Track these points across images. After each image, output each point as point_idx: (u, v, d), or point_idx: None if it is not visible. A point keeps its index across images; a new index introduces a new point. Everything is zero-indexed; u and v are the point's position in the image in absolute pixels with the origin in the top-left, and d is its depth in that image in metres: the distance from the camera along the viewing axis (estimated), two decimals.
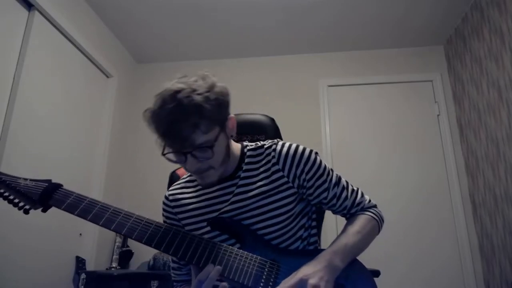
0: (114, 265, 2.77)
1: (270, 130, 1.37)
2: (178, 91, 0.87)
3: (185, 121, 0.86)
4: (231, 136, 1.00)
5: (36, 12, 2.20)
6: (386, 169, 2.94)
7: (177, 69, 3.39)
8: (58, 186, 0.99)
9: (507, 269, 2.30)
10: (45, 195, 0.96)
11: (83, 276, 2.24)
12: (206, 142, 0.89)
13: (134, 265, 2.89)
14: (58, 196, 0.96)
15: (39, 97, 2.22)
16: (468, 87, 2.77)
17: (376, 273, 1.00)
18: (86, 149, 2.68)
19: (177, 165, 1.32)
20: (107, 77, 2.99)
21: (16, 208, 0.97)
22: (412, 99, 3.09)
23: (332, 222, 2.75)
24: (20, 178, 1.00)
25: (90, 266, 2.56)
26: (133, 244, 2.91)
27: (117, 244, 2.86)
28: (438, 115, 3.02)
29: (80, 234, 2.56)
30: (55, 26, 2.37)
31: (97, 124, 2.84)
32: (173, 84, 0.90)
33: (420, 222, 2.77)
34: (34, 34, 2.17)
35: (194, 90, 0.88)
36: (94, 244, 2.66)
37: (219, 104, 0.91)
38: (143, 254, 2.86)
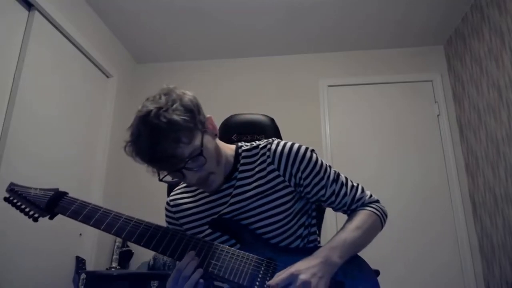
0: (114, 265, 2.77)
1: (270, 130, 1.37)
2: (146, 115, 0.87)
3: (165, 140, 0.85)
4: (215, 135, 1.00)
5: (36, 12, 2.20)
6: (386, 169, 2.94)
7: (177, 69, 3.42)
8: (64, 194, 1.03)
9: (507, 269, 2.30)
10: (51, 203, 1.00)
11: (83, 276, 2.24)
12: (194, 151, 0.89)
13: (134, 265, 2.89)
14: (63, 204, 1.00)
15: (39, 97, 2.22)
16: (468, 87, 2.77)
17: (376, 273, 0.99)
18: (86, 149, 2.68)
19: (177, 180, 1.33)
20: (107, 77, 2.99)
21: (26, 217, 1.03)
22: (412, 99, 3.09)
23: (332, 220, 2.75)
24: (31, 188, 1.05)
25: (90, 266, 2.56)
26: (133, 244, 2.91)
27: (117, 244, 2.86)
28: (438, 115, 3.02)
29: (80, 234, 2.56)
30: (55, 26, 2.37)
31: (97, 124, 2.84)
32: (140, 110, 0.90)
33: (420, 222, 2.77)
34: (34, 34, 2.17)
35: (160, 108, 0.87)
36: (94, 244, 2.66)
37: (190, 110, 0.90)
38: (143, 254, 2.86)
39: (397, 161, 2.95)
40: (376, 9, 2.75)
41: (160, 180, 0.93)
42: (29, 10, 2.18)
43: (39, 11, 2.21)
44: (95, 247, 2.66)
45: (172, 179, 0.94)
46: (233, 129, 1.37)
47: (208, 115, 0.98)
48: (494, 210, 2.43)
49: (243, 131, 1.31)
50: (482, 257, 2.63)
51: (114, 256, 2.81)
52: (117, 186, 3.03)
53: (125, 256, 2.85)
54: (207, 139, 0.94)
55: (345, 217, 1.11)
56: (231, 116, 1.44)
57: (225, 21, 2.90)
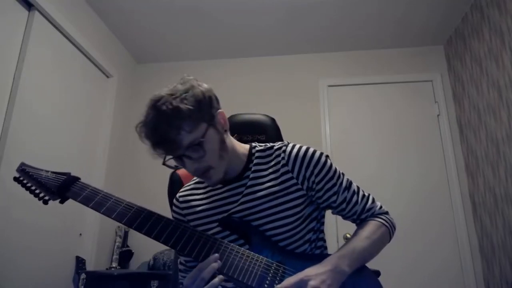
0: (114, 265, 2.77)
1: (271, 130, 1.36)
2: (157, 100, 0.92)
3: (167, 125, 0.89)
4: (225, 130, 1.00)
5: (36, 12, 2.19)
6: (386, 169, 2.94)
7: (177, 69, 3.41)
8: (76, 179, 1.04)
9: (507, 269, 2.30)
10: (63, 187, 1.01)
11: (83, 276, 2.24)
12: (193, 141, 0.91)
13: (134, 265, 2.89)
14: (75, 189, 1.01)
15: (39, 97, 2.22)
16: (468, 87, 2.77)
17: (376, 274, 0.99)
18: (86, 149, 2.68)
19: (178, 166, 1.33)
20: (107, 77, 2.99)
21: (36, 198, 1.02)
22: (412, 99, 3.09)
23: (332, 225, 2.76)
24: (42, 170, 1.06)
25: (90, 266, 2.56)
26: (133, 244, 2.91)
27: (117, 244, 2.86)
28: (438, 115, 3.02)
29: (80, 234, 2.56)
30: (55, 26, 2.37)
31: (97, 124, 2.84)
32: (154, 94, 0.94)
33: (420, 222, 2.77)
34: (34, 34, 2.17)
35: (171, 95, 0.92)
36: (94, 244, 2.66)
37: (199, 101, 0.93)
38: (143, 254, 2.86)
39: (397, 161, 2.95)
40: (376, 9, 2.75)
41: (163, 163, 0.96)
42: (29, 10, 2.18)
43: (39, 11, 2.21)
44: (95, 247, 2.66)
45: (174, 165, 0.97)
46: (234, 129, 1.36)
47: (220, 110, 1.00)
48: (494, 210, 2.43)
49: (243, 131, 1.30)
50: (482, 257, 2.63)
51: (114, 256, 2.81)
52: (117, 186, 3.02)
53: (125, 256, 2.85)
54: (212, 132, 0.95)
55: (346, 221, 1.11)
56: (232, 116, 1.43)
57: (225, 21, 2.90)
